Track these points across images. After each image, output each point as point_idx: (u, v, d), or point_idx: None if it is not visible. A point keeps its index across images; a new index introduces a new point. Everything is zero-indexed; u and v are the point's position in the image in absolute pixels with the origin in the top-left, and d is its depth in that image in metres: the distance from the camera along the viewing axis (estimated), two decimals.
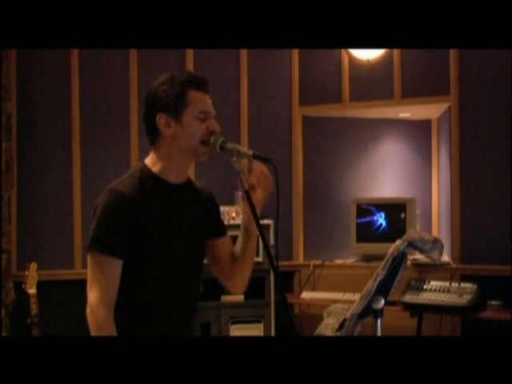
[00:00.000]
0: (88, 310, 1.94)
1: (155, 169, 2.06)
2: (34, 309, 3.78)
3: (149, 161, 2.09)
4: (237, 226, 4.19)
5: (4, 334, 4.17)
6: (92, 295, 1.94)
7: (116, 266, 1.96)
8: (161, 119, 2.02)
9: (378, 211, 4.65)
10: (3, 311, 4.19)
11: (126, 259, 1.98)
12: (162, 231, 2.02)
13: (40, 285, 3.88)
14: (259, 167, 2.02)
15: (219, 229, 2.23)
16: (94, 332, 1.93)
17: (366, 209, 4.69)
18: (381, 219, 4.64)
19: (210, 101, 2.07)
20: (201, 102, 2.03)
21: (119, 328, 1.97)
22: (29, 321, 3.75)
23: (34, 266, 3.89)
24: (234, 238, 4.28)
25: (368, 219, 4.67)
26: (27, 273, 3.87)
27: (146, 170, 2.06)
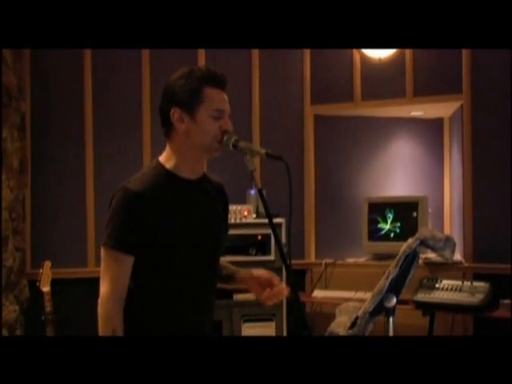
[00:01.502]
0: (99, 301, 2.00)
1: (169, 165, 2.07)
2: (48, 306, 3.81)
3: (163, 157, 2.09)
4: (248, 225, 4.30)
5: (18, 331, 4.22)
6: (103, 288, 2.00)
7: (126, 261, 1.99)
8: (175, 113, 2.03)
9: (390, 210, 4.65)
10: (18, 309, 4.23)
11: (141, 256, 2.00)
12: (176, 227, 2.02)
13: (54, 283, 3.91)
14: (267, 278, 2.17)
15: (225, 225, 2.24)
16: (100, 322, 1.99)
17: (378, 207, 4.68)
18: (392, 219, 4.63)
19: (226, 98, 2.05)
20: (216, 99, 2.02)
21: (137, 324, 2.01)
22: (43, 318, 3.79)
23: (48, 264, 3.92)
24: (245, 237, 4.30)
25: (380, 218, 4.67)
26: (41, 271, 3.90)
27: (159, 167, 2.07)
